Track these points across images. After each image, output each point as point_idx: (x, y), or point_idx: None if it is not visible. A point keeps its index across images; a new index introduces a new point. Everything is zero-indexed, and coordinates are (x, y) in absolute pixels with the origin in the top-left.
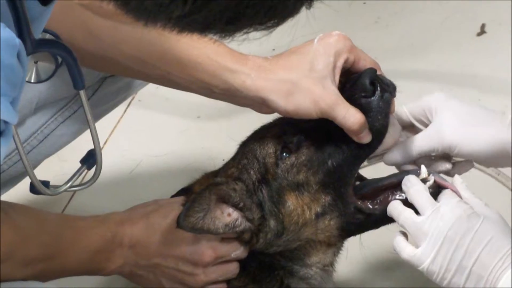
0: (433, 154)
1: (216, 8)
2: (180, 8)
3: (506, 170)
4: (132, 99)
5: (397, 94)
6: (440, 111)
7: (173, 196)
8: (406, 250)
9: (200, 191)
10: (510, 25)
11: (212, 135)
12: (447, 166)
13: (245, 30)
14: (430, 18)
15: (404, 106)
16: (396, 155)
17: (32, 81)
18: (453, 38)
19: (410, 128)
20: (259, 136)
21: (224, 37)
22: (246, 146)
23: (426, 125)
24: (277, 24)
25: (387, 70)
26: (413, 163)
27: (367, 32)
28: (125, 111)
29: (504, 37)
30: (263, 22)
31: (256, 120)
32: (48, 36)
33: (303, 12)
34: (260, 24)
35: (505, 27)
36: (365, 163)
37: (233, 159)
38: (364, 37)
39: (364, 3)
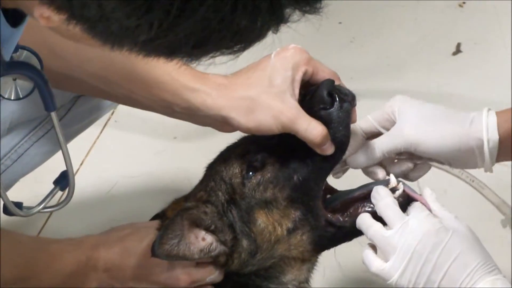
0: (397, 153)
1: (182, 33)
2: (146, 32)
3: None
4: (108, 120)
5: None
6: (403, 111)
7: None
8: (375, 264)
9: (172, 217)
10: (486, 44)
11: (189, 156)
12: (409, 165)
13: (211, 55)
14: (405, 38)
15: (368, 115)
16: (360, 157)
17: (12, 98)
18: (429, 57)
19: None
20: (224, 157)
21: (191, 61)
22: (212, 169)
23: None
24: (244, 48)
25: (363, 90)
26: (380, 165)
27: (342, 52)
28: (101, 131)
29: (479, 56)
30: (229, 46)
31: (232, 141)
32: (24, 54)
33: (282, 28)
34: (226, 49)
35: (481, 46)
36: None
37: (201, 182)
38: (340, 57)
39: (340, 23)
